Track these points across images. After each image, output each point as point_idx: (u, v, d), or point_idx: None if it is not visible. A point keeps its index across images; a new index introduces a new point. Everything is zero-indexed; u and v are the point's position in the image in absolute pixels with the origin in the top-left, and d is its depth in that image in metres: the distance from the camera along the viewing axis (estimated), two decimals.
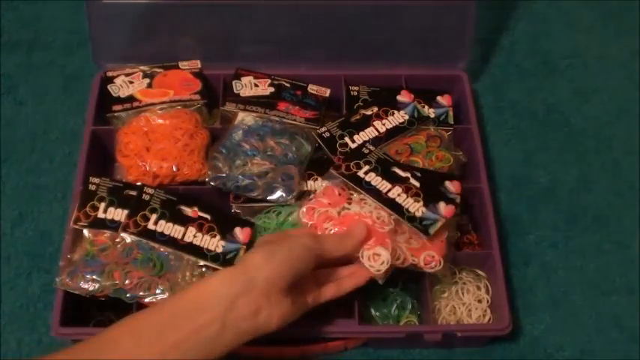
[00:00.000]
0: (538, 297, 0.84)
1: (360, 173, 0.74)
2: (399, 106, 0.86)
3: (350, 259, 0.70)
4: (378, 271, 0.69)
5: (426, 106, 0.88)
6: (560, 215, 0.91)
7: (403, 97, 0.87)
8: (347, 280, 0.70)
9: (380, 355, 0.80)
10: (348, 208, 0.72)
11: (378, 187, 0.73)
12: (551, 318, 0.83)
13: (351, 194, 0.73)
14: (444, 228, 0.73)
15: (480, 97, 1.01)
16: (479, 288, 0.80)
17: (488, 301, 0.79)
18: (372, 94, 0.90)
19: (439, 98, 0.89)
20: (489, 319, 0.79)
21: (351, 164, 0.74)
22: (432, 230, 0.71)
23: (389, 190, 0.73)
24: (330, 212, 0.71)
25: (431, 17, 0.91)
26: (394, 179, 0.74)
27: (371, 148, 0.77)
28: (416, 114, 0.86)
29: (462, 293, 0.80)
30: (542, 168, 0.95)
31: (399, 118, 0.85)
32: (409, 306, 0.78)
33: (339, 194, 0.73)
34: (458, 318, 0.79)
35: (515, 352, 0.81)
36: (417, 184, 0.73)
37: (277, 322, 0.61)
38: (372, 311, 0.78)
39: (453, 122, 0.88)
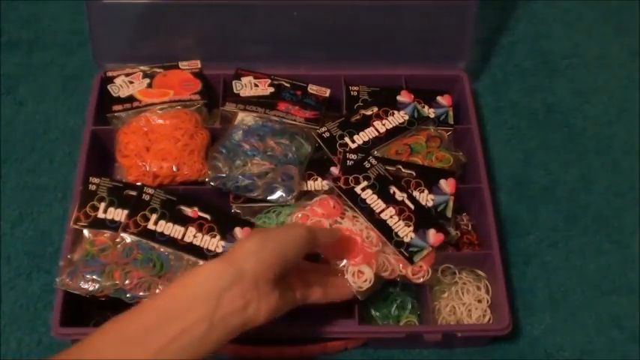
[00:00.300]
0: (538, 297, 0.84)
1: (358, 189, 0.75)
2: (399, 106, 0.86)
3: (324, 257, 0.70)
4: (360, 288, 0.70)
5: (426, 106, 0.88)
6: (560, 215, 0.91)
7: (403, 97, 0.87)
8: (334, 290, 0.70)
9: (380, 355, 0.80)
10: (340, 223, 0.72)
11: (372, 205, 0.74)
12: (551, 318, 0.83)
13: (345, 209, 0.74)
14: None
15: (480, 97, 1.01)
16: (479, 288, 0.80)
17: (488, 301, 0.79)
18: (372, 94, 0.90)
19: (439, 98, 0.89)
20: (489, 319, 0.79)
21: (350, 178, 0.75)
22: (416, 258, 0.72)
23: (382, 211, 0.74)
24: (323, 223, 0.72)
25: (431, 17, 0.91)
26: (389, 199, 0.74)
27: (373, 162, 0.77)
28: (416, 114, 0.86)
29: (462, 293, 0.80)
30: (542, 168, 0.95)
31: (399, 118, 0.85)
32: (409, 306, 0.78)
33: (334, 207, 0.73)
34: (458, 318, 0.79)
35: (515, 352, 0.80)
36: (412, 206, 0.74)
37: (265, 315, 0.58)
38: (372, 311, 0.78)
39: (453, 122, 0.88)
